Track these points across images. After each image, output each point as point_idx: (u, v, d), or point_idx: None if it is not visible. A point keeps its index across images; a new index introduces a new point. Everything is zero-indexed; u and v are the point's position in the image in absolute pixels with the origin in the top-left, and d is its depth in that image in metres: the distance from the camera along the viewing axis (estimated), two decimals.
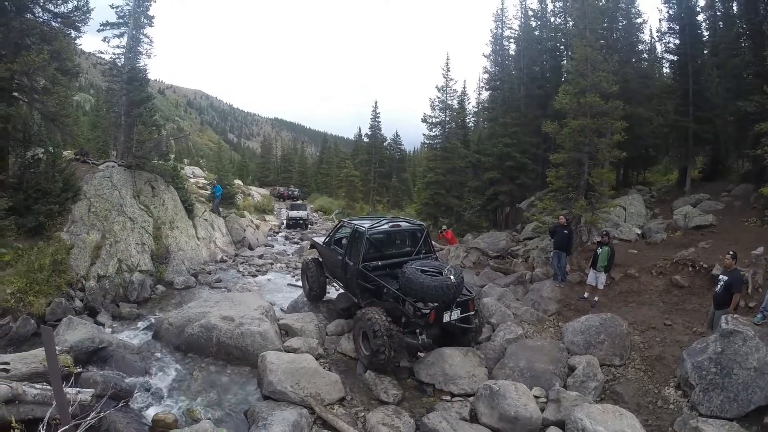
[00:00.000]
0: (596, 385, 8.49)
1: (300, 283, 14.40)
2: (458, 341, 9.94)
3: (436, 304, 8.85)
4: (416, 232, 11.33)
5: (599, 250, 11.84)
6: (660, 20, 23.74)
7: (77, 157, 17.79)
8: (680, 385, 8.15)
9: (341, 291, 12.34)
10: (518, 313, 11.90)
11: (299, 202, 43.56)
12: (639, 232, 16.04)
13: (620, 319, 10.13)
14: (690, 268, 12.12)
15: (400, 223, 11.43)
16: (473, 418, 7.82)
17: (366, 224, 10.63)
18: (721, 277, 9.03)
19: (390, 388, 8.57)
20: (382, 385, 8.64)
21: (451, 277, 8.91)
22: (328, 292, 13.48)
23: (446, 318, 9.09)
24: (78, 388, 6.79)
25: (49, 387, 6.45)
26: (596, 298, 12.09)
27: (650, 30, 34.64)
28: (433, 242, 12.25)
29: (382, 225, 10.81)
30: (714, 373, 7.51)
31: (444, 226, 20.95)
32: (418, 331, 9.05)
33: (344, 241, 11.28)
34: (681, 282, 11.79)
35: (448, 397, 8.54)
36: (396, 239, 11.27)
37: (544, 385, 8.49)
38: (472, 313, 9.71)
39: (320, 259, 12.93)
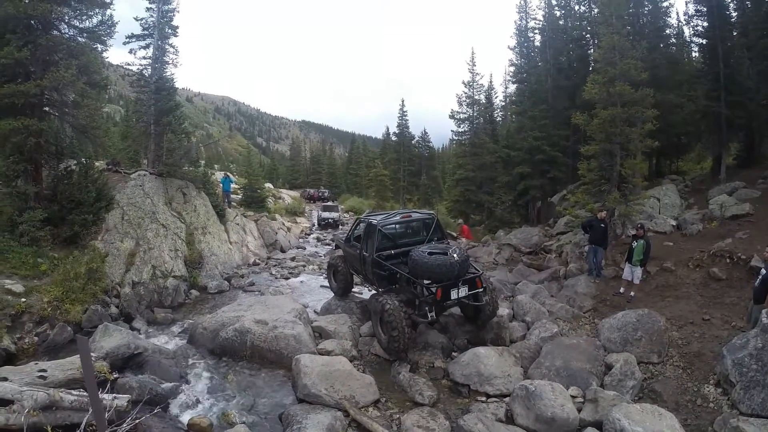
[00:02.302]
0: (634, 383, 8.32)
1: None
2: (476, 320, 10.76)
3: (443, 283, 9.37)
4: (427, 221, 12.01)
5: (634, 244, 11.63)
6: (686, 3, 23.18)
7: (109, 167, 18.14)
8: (720, 383, 7.92)
9: (374, 292, 12.50)
10: (553, 311, 11.76)
11: (330, 203, 43.79)
12: (674, 223, 15.63)
13: (657, 315, 9.89)
14: (728, 260, 11.70)
15: (410, 214, 12.22)
16: (509, 419, 7.72)
17: (378, 218, 11.66)
18: (762, 270, 8.74)
19: (425, 389, 8.53)
20: (416, 386, 8.61)
21: (455, 255, 9.48)
22: (360, 293, 13.58)
23: (454, 295, 9.58)
24: (114, 394, 6.89)
25: (85, 393, 6.57)
26: (632, 293, 11.83)
27: (677, 13, 33.74)
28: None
29: (393, 217, 11.76)
30: (755, 369, 7.26)
31: (460, 221, 20.92)
32: (427, 308, 9.39)
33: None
34: (719, 275, 11.39)
35: (484, 398, 8.47)
36: (408, 229, 11.95)
37: (580, 384, 8.33)
38: (481, 290, 10.05)
39: (344, 255, 13.31)
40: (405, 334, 9.21)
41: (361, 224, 12.30)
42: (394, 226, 11.59)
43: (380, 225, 11.07)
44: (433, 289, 9.28)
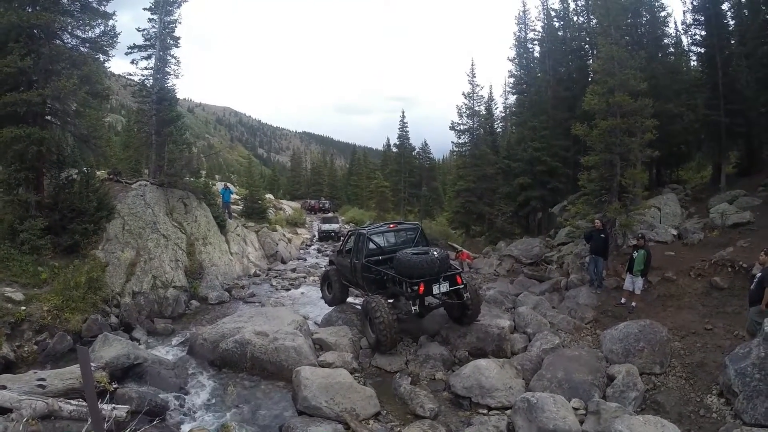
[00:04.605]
0: (636, 395, 8.27)
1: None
2: (460, 318, 11.22)
3: (425, 278, 10.18)
4: (411, 230, 13.17)
5: (635, 254, 11.61)
6: (684, 12, 23.20)
7: (110, 176, 18.13)
8: (723, 393, 7.87)
9: None
10: (554, 322, 11.75)
11: (330, 214, 43.69)
12: (675, 232, 15.58)
13: (659, 325, 9.84)
14: (729, 269, 11.69)
15: (396, 224, 13.49)
16: (511, 431, 7.65)
17: (367, 228, 13.29)
18: (757, 274, 8.77)
19: (426, 401, 8.47)
20: (417, 399, 8.55)
21: (435, 253, 10.52)
22: (358, 305, 13.58)
23: (435, 290, 10.38)
24: (113, 405, 6.86)
25: (84, 403, 6.54)
26: (634, 304, 11.79)
27: (675, 23, 33.75)
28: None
29: (381, 227, 13.22)
30: (758, 379, 7.20)
31: (460, 248, 21.19)
32: (410, 302, 10.25)
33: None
34: (720, 284, 11.37)
35: (485, 411, 8.43)
36: (394, 237, 12.91)
37: (582, 396, 8.28)
38: (462, 286, 10.69)
39: (337, 267, 13.96)
40: (391, 326, 9.86)
41: (351, 237, 13.30)
42: (381, 234, 12.69)
43: (368, 234, 12.33)
44: (415, 286, 10.08)
